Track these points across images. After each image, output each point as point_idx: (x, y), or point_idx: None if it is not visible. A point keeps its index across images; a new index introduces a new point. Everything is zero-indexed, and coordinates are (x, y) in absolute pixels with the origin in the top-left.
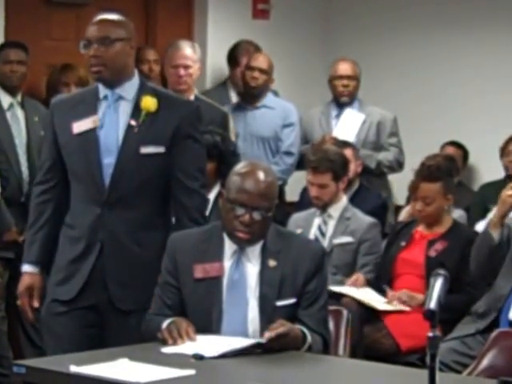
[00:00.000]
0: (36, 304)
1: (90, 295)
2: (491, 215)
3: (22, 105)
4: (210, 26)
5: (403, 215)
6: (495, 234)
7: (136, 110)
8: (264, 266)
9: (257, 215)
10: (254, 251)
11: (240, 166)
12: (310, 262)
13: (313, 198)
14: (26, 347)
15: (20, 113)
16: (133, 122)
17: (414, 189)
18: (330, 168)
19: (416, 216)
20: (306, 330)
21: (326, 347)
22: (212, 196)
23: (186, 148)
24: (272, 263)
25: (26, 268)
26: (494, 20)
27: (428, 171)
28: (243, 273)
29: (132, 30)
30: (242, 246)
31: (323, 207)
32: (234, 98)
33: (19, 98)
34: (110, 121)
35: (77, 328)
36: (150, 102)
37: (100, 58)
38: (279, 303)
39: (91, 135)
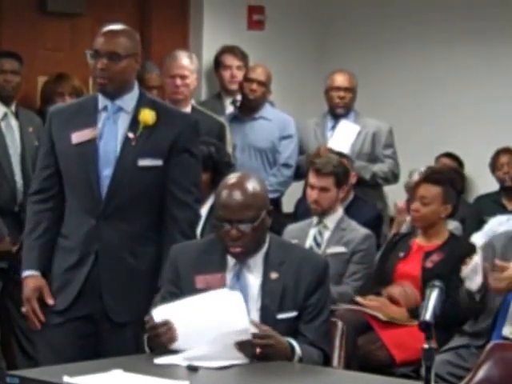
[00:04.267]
0: (51, 302)
1: (84, 305)
2: (495, 223)
3: (17, 115)
4: (205, 37)
5: (396, 226)
6: (478, 296)
7: (134, 123)
8: (266, 278)
9: (243, 227)
10: (256, 262)
11: (223, 182)
12: (311, 275)
13: (312, 203)
14: (19, 358)
15: (14, 123)
16: (130, 135)
17: (414, 188)
18: (333, 172)
19: (412, 217)
20: (294, 343)
21: (327, 362)
22: (206, 207)
23: (181, 162)
24: (274, 275)
25: (28, 273)
26: (489, 32)
27: (431, 172)
28: (244, 284)
29: (139, 44)
30: (240, 260)
31: (321, 215)
32: (229, 108)
33: (13, 107)
34: (109, 132)
35: (72, 338)
36: (148, 115)
37: (107, 71)
38: (280, 316)
39: (90, 146)
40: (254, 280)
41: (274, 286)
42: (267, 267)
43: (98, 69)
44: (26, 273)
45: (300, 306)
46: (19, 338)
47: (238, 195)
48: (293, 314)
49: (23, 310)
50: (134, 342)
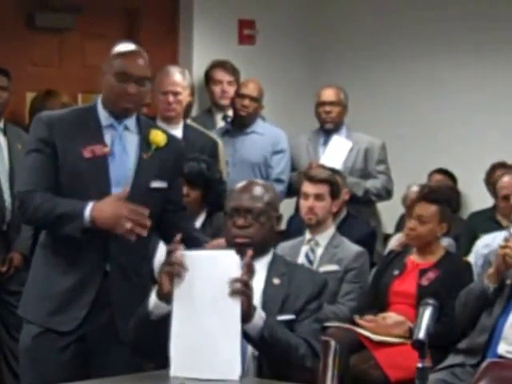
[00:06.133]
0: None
1: (89, 326)
2: (480, 246)
3: (5, 132)
4: (195, 52)
5: (393, 243)
6: (492, 287)
7: (144, 143)
8: (268, 283)
9: (250, 219)
10: (260, 267)
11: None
12: (312, 287)
13: (306, 213)
14: (9, 378)
15: (2, 140)
16: (144, 155)
17: (410, 206)
18: (327, 179)
19: (406, 235)
20: (259, 309)
21: (316, 358)
22: (198, 223)
23: (177, 184)
24: (276, 281)
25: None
26: (481, 45)
27: (428, 191)
28: None
29: None
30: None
31: (314, 226)
32: (220, 123)
33: (1, 124)
34: (120, 151)
35: (68, 358)
36: (160, 137)
37: (136, 96)
38: (279, 318)
39: (102, 163)
40: (256, 284)
41: (276, 291)
42: (270, 274)
43: (128, 94)
44: (87, 209)
45: (298, 311)
46: (8, 359)
47: (249, 189)
48: (291, 317)
49: (127, 226)
50: (134, 360)
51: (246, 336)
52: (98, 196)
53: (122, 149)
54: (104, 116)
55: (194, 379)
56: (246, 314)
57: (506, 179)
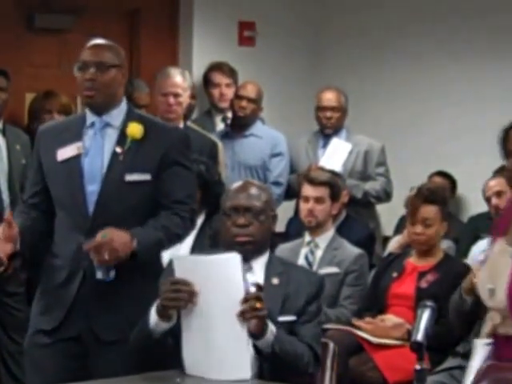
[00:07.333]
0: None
1: (72, 325)
2: (476, 252)
3: (4, 132)
4: (195, 54)
5: (392, 245)
6: (469, 300)
7: (122, 137)
8: (268, 283)
9: (250, 217)
10: (259, 267)
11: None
12: (311, 287)
13: (306, 216)
14: (7, 380)
15: (1, 140)
16: (118, 149)
17: (413, 211)
18: (328, 182)
19: (413, 240)
20: (270, 324)
21: (318, 363)
22: (197, 225)
23: (173, 175)
24: (275, 281)
25: None
26: (482, 46)
27: (428, 192)
28: (248, 287)
29: (124, 59)
30: (245, 254)
31: (314, 229)
32: (219, 125)
33: (0, 125)
34: (95, 148)
35: (61, 359)
36: (135, 129)
37: (95, 82)
38: (281, 318)
39: (75, 162)
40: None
41: (276, 290)
42: (269, 273)
43: (85, 80)
44: None
45: (299, 312)
46: (6, 361)
47: (246, 188)
48: (292, 317)
49: None
50: (122, 361)
51: (256, 350)
52: (71, 195)
53: (98, 145)
54: (88, 116)
55: (205, 380)
56: (259, 333)
57: (491, 183)
